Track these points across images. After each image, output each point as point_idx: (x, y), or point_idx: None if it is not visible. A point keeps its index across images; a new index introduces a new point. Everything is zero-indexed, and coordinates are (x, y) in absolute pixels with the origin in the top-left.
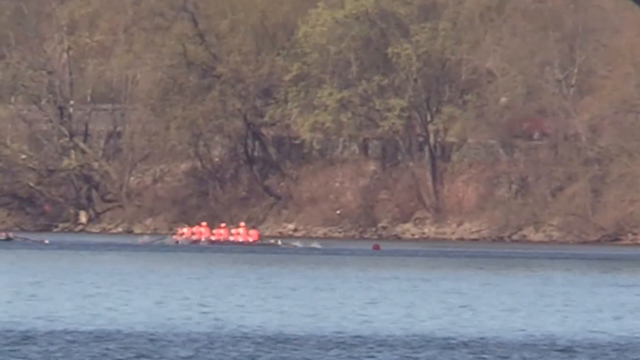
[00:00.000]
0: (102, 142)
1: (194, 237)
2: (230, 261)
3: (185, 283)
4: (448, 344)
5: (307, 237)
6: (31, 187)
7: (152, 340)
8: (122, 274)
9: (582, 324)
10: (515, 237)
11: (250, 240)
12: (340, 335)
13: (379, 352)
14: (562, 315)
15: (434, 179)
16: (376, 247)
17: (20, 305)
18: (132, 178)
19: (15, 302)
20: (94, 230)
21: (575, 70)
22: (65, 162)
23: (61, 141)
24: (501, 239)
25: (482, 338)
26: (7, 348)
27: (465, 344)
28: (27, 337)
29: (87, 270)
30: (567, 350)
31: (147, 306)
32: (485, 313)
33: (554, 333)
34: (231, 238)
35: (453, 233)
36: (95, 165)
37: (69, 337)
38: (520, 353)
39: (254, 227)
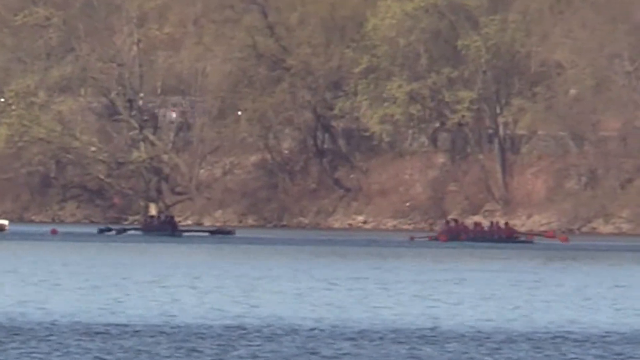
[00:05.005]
0: (171, 134)
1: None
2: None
3: None
4: None
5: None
6: (101, 180)
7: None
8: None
9: None
10: (584, 229)
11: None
12: None
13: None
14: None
15: (504, 171)
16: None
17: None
18: (201, 170)
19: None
20: None
21: None
22: (135, 154)
23: (131, 133)
24: (570, 231)
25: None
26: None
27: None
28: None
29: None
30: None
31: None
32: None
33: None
34: None
35: (522, 225)
36: (165, 157)
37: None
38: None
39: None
